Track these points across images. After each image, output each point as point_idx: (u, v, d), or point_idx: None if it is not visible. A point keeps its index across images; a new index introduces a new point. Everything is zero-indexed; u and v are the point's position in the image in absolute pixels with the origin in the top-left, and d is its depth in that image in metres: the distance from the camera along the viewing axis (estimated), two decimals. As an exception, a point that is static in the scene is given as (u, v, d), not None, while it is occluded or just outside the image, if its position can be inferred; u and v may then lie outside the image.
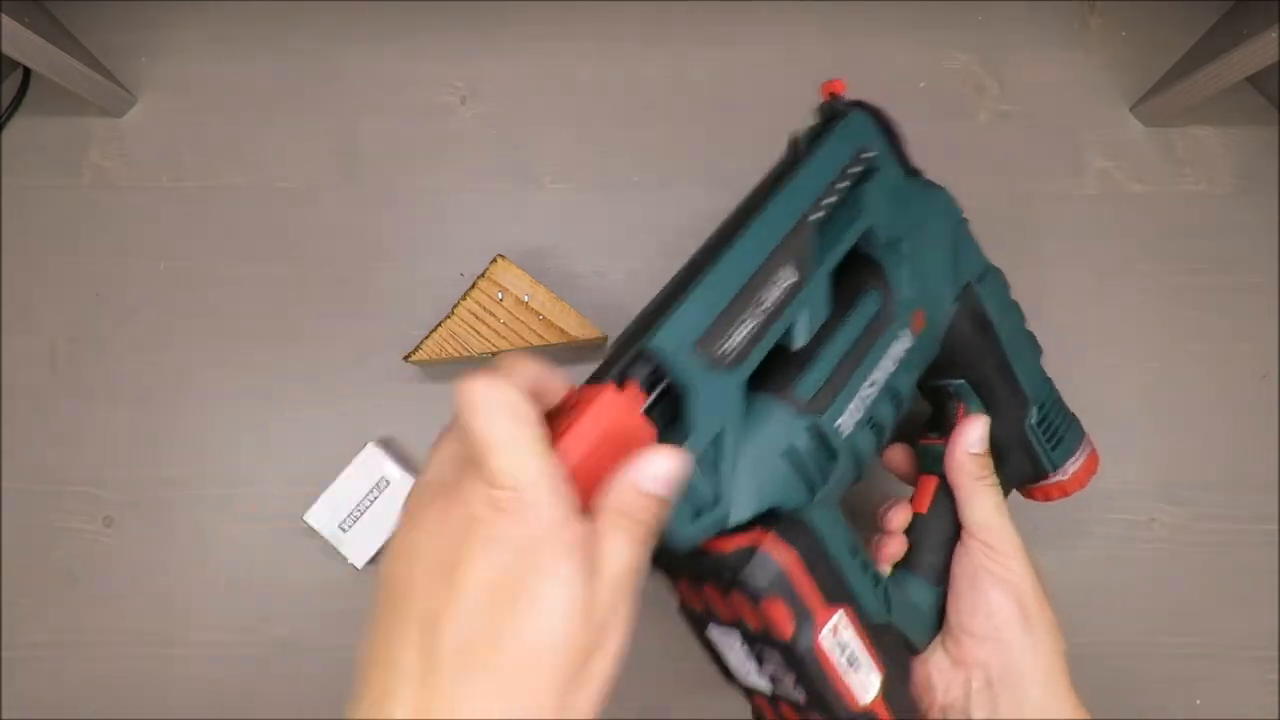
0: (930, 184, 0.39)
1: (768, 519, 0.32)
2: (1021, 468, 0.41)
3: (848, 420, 0.34)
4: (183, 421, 0.56)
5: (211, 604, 0.54)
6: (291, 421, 0.56)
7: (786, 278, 0.32)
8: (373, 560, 0.52)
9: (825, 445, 0.33)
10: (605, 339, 0.53)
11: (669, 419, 0.30)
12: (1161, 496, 0.55)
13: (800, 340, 0.33)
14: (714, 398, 0.30)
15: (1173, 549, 0.54)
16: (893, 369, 0.35)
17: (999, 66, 0.61)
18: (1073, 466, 0.42)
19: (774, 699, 0.33)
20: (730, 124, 0.60)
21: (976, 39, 0.61)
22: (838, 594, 0.31)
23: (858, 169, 0.35)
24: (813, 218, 0.33)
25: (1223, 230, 0.58)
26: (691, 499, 0.30)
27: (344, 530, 0.51)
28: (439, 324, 0.51)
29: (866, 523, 0.40)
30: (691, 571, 0.33)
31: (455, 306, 0.51)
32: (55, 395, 0.56)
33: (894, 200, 0.36)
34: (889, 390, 0.35)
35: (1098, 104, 0.61)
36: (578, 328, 0.51)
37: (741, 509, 0.31)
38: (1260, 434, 0.56)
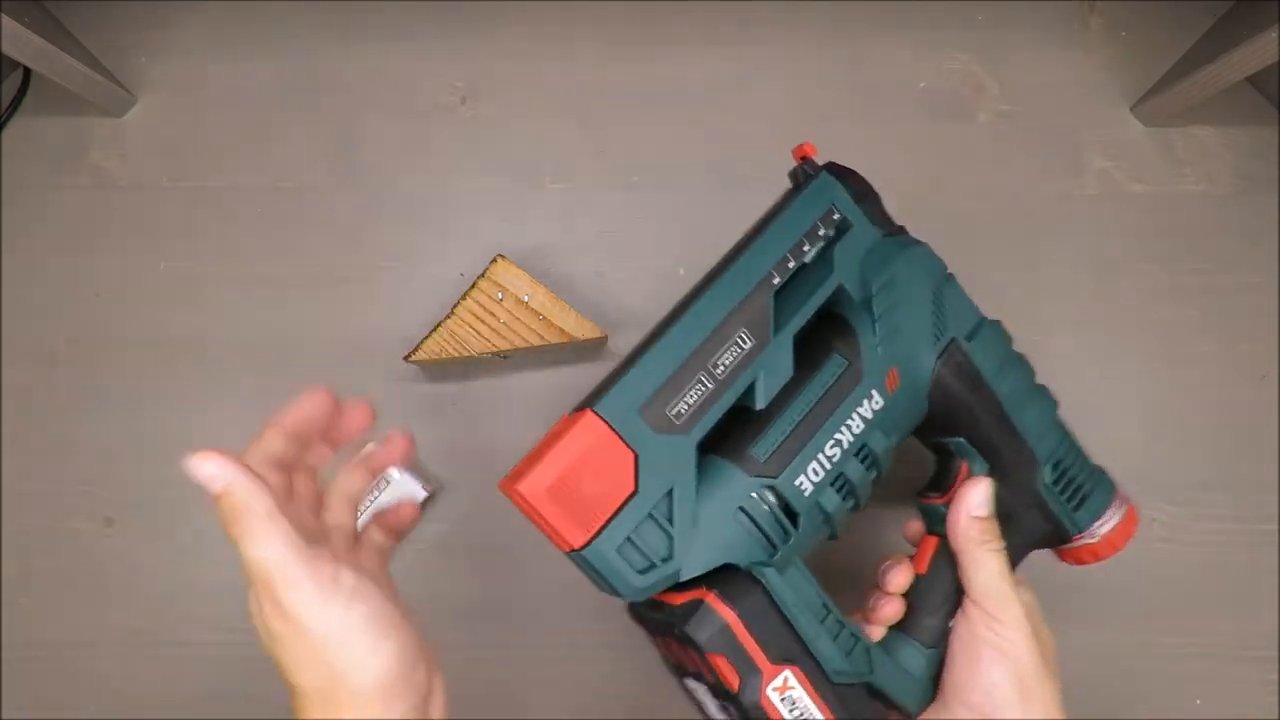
0: (910, 241, 0.38)
1: (721, 574, 0.33)
2: (1038, 529, 0.39)
3: (809, 480, 0.34)
4: (182, 421, 0.56)
5: (211, 604, 0.54)
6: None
7: (742, 341, 0.34)
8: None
9: (784, 504, 0.34)
10: (605, 338, 0.53)
11: None
12: (1161, 496, 0.55)
13: (761, 401, 0.34)
14: (661, 457, 0.32)
15: (1173, 549, 0.54)
16: (861, 428, 0.35)
17: (999, 66, 0.61)
18: (1102, 529, 0.39)
19: None
20: (730, 124, 0.60)
21: (976, 39, 0.61)
22: (789, 652, 0.32)
23: (826, 230, 0.36)
24: (774, 281, 0.35)
25: (1223, 230, 0.58)
26: (642, 552, 0.32)
27: (344, 530, 0.51)
28: (439, 324, 0.51)
29: (867, 578, 0.40)
30: (654, 624, 0.35)
31: (455, 306, 0.51)
32: (55, 395, 0.56)
33: (867, 259, 0.37)
34: (859, 449, 0.35)
35: (1098, 104, 0.61)
36: (577, 327, 0.51)
37: (694, 564, 0.32)
38: (1260, 434, 0.56)
